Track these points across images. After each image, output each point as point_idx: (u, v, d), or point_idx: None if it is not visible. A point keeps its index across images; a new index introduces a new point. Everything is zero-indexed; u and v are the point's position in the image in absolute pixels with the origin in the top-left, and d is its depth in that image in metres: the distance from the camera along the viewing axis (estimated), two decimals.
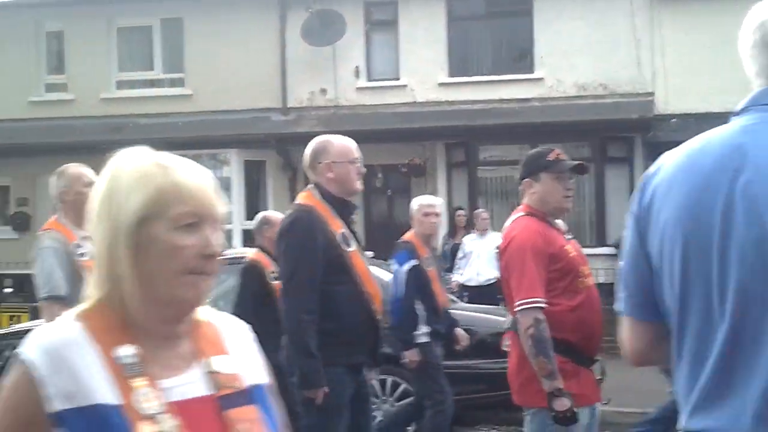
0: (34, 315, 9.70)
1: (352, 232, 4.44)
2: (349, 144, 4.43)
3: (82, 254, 4.35)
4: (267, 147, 16.04)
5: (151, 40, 17.45)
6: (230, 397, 1.58)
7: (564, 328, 3.81)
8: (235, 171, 15.89)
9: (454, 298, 9.24)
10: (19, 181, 17.36)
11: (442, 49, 16.26)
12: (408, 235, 6.73)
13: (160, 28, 17.35)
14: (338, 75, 16.27)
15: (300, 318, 4.19)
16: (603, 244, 14.27)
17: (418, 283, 6.44)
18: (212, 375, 1.59)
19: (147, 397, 1.49)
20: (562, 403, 3.69)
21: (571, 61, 15.48)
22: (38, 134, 16.61)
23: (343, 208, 4.40)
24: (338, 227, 4.33)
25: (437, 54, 16.23)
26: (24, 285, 11.92)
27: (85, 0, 17.15)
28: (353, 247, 4.38)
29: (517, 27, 16.31)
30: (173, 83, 17.40)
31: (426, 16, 16.24)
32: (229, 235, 14.88)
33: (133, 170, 1.56)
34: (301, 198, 4.47)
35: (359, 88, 16.41)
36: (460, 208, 13.45)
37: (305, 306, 4.19)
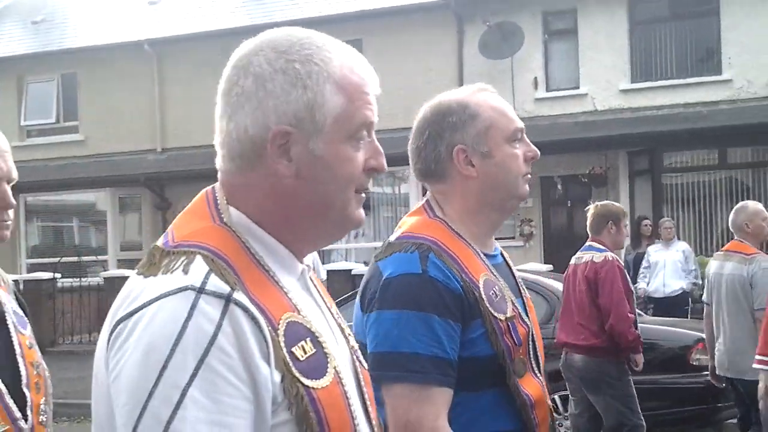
0: None
1: None
2: None
3: None
4: None
5: None
6: None
7: None
8: (413, 187, 16.11)
9: (640, 311, 8.97)
10: None
11: (624, 55, 15.92)
12: None
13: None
14: (516, 87, 16.18)
15: None
16: None
17: None
18: None
19: None
20: None
21: (762, 61, 14.77)
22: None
23: None
24: None
25: (619, 60, 15.91)
26: None
27: None
28: None
29: (702, 27, 15.70)
30: None
31: (607, 22, 15.94)
32: None
33: None
34: None
35: (538, 99, 16.28)
36: (645, 218, 13.05)
37: None
